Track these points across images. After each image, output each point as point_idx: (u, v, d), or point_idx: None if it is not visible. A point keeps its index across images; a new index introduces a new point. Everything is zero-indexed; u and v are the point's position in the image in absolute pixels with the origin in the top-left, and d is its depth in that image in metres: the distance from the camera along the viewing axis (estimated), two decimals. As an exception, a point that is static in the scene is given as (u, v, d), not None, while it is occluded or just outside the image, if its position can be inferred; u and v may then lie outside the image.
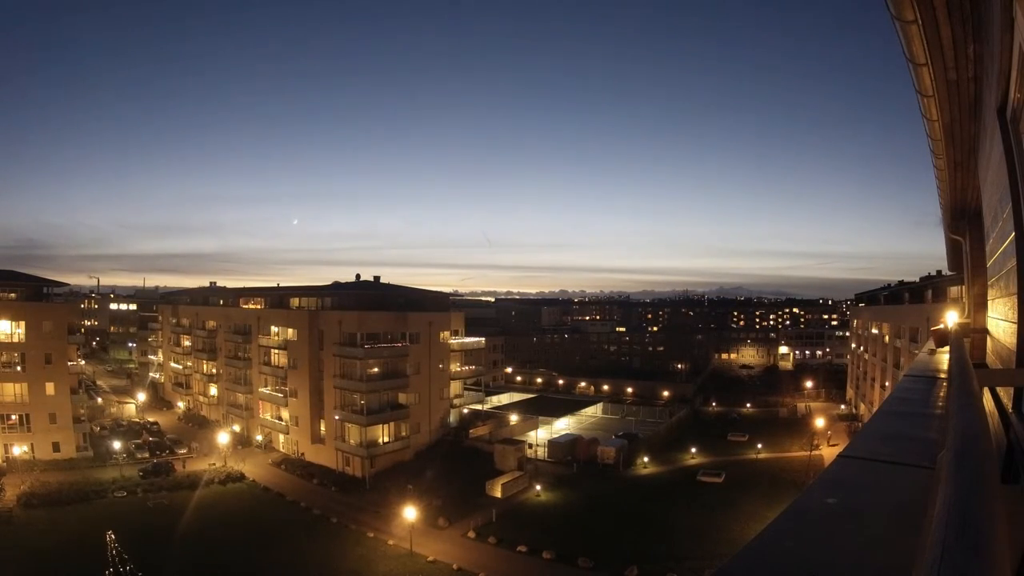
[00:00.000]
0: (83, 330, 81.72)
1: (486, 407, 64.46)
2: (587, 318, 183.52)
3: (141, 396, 73.85)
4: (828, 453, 50.32)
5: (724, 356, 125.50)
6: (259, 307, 65.79)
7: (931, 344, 8.54)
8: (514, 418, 60.28)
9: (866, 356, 64.57)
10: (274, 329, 59.91)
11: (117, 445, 51.47)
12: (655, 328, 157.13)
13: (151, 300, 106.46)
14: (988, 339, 7.15)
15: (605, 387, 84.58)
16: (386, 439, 52.25)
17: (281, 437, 57.97)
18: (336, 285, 64.58)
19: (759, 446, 55.27)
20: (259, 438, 58.59)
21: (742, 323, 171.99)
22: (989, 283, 7.03)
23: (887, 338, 55.72)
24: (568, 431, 60.75)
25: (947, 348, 6.94)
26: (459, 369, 62.52)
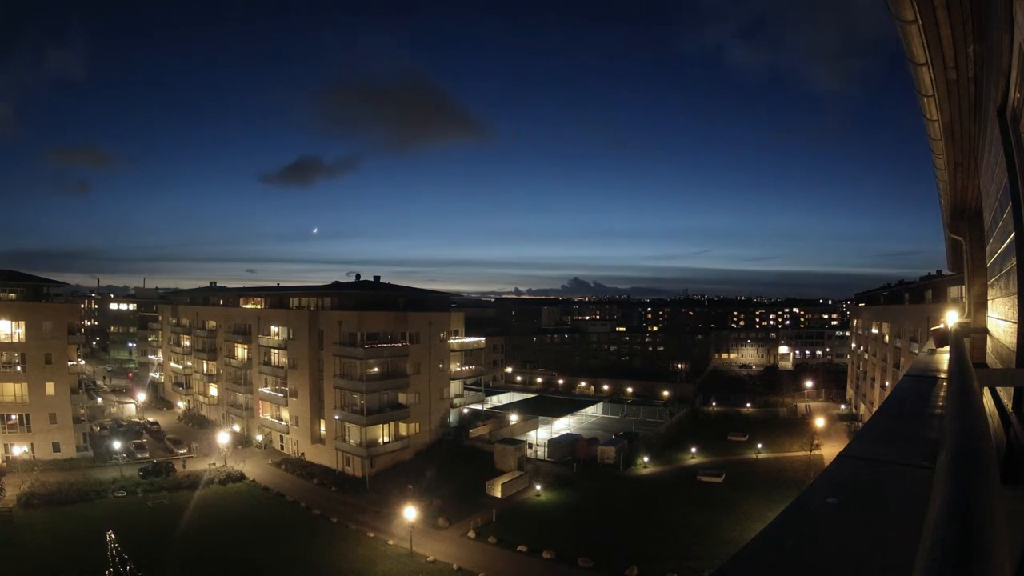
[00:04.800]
0: (83, 330, 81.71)
1: (486, 407, 64.44)
2: (587, 318, 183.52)
3: (141, 396, 73.89)
4: (828, 454, 50.31)
5: (724, 356, 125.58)
6: (259, 307, 65.79)
7: (931, 344, 8.53)
8: (514, 418, 60.26)
9: (866, 356, 64.55)
10: (274, 329, 59.90)
11: (117, 445, 51.48)
12: (655, 328, 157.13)
13: (151, 300, 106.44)
14: (988, 339, 7.14)
15: (605, 387, 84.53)
16: (386, 439, 52.24)
17: (281, 437, 57.97)
18: (336, 285, 64.60)
19: (759, 446, 55.27)
20: (259, 438, 58.59)
21: (742, 323, 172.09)
22: (989, 283, 7.03)
23: (887, 338, 55.69)
24: (568, 431, 60.71)
25: (947, 348, 6.93)
26: (459, 369, 62.51)
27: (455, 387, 61.88)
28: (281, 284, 74.74)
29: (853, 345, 76.98)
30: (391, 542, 36.91)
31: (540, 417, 61.31)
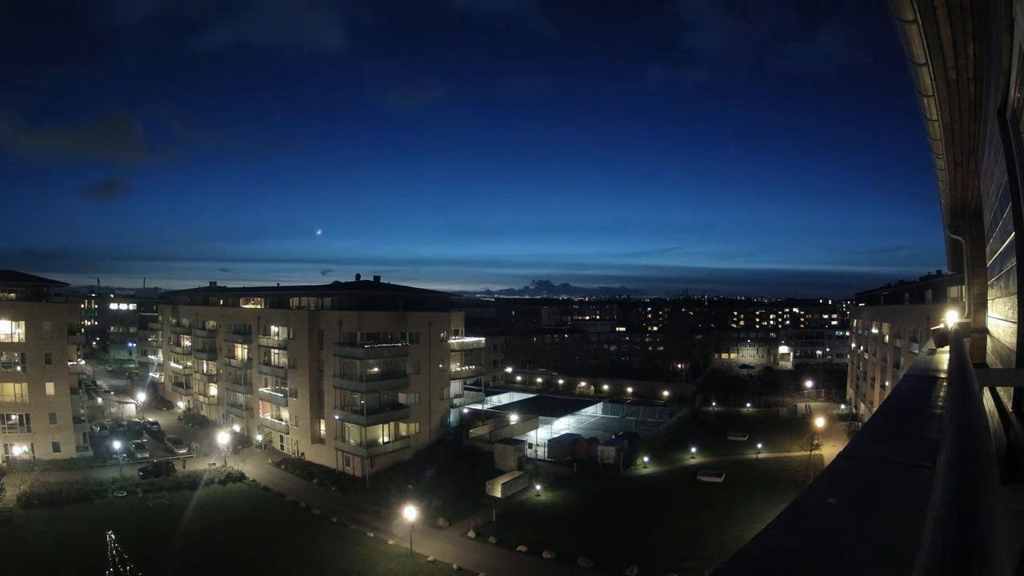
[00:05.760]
0: (83, 330, 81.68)
1: (486, 407, 64.44)
2: (587, 318, 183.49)
3: (141, 396, 73.89)
4: (828, 454, 50.30)
5: (724, 356, 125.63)
6: (259, 307, 65.78)
7: (931, 344, 8.53)
8: (514, 418, 60.26)
9: (866, 356, 64.57)
10: (274, 329, 59.90)
11: (117, 445, 51.47)
12: (655, 328, 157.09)
13: (151, 300, 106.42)
14: (988, 339, 7.15)
15: (605, 387, 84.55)
16: (386, 439, 52.24)
17: (281, 437, 57.97)
18: (336, 285, 64.59)
19: (759, 446, 55.28)
20: (259, 438, 58.59)
21: (742, 323, 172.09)
22: (989, 283, 7.04)
23: (887, 338, 55.71)
24: (568, 431, 60.74)
25: (947, 348, 6.93)
26: (459, 369, 62.50)
27: (455, 387, 61.87)
28: (281, 284, 74.74)
29: (853, 345, 77.01)
30: (391, 542, 36.91)
31: (540, 417, 61.31)
